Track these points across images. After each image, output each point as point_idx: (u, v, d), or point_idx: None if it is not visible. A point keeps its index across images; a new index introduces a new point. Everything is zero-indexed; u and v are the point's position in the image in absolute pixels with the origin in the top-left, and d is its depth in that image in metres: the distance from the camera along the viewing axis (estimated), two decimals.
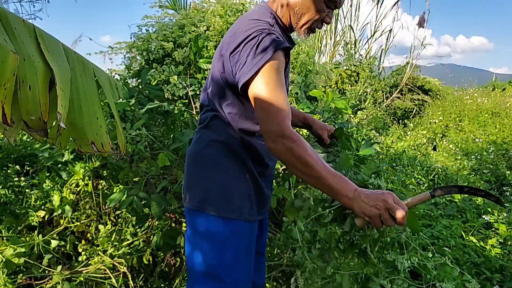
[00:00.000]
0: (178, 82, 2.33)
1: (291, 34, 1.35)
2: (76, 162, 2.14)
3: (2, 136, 2.09)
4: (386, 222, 1.03)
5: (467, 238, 2.31)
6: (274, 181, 2.36)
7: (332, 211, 1.27)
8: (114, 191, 2.12)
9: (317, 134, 1.66)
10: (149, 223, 2.18)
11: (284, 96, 1.09)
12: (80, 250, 2.10)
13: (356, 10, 8.96)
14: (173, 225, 2.11)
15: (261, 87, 1.08)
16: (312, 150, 1.07)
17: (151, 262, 2.14)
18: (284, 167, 2.35)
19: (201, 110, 1.35)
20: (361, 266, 1.41)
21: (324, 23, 1.28)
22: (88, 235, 2.20)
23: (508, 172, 4.44)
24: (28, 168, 2.32)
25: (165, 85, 2.41)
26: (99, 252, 2.03)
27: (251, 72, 1.08)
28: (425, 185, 3.62)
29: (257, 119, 1.17)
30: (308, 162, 1.05)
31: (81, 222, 2.16)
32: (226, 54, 1.16)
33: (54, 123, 1.23)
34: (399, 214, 1.01)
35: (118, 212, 2.21)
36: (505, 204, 3.38)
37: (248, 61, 1.09)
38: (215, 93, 1.25)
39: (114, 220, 2.24)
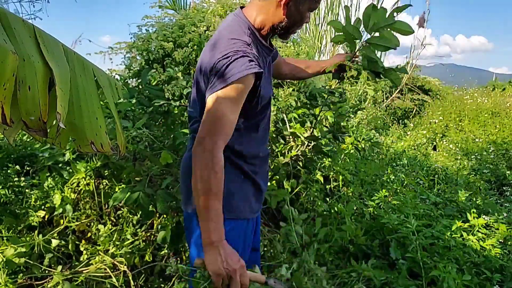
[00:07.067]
0: (182, 79, 2.33)
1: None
2: (78, 162, 2.14)
3: (2, 136, 2.09)
4: (224, 287, 1.03)
5: (467, 238, 2.30)
6: (274, 182, 2.37)
7: None
8: (116, 190, 2.13)
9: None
10: (151, 222, 2.19)
11: (232, 120, 1.12)
12: (81, 249, 2.10)
13: (356, 10, 8.95)
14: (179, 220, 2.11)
15: (218, 100, 1.10)
16: (219, 181, 1.07)
17: (150, 262, 2.14)
18: (285, 161, 2.36)
19: (189, 121, 1.37)
20: None
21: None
22: (89, 234, 2.20)
23: (508, 172, 4.44)
24: (28, 168, 2.32)
25: (166, 85, 2.41)
26: (100, 252, 2.03)
27: (216, 88, 1.11)
28: (425, 185, 3.62)
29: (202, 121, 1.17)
30: (210, 187, 1.05)
31: (82, 221, 2.16)
32: (206, 70, 1.19)
33: (53, 123, 1.23)
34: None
35: (119, 212, 2.22)
36: (505, 204, 3.39)
37: (216, 78, 1.13)
38: (199, 105, 1.27)
39: (115, 220, 2.24)
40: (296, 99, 2.54)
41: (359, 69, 1.71)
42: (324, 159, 2.59)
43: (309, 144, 2.31)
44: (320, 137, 2.24)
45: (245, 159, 1.30)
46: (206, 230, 1.06)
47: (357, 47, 1.68)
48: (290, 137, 2.40)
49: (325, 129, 2.32)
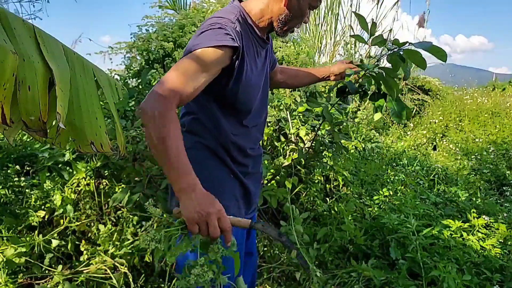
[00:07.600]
0: None
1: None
2: (78, 162, 2.14)
3: (2, 136, 2.09)
4: (202, 233, 0.96)
5: (467, 238, 2.30)
6: (273, 181, 2.37)
7: None
8: (116, 190, 2.13)
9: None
10: (151, 222, 2.18)
11: (190, 85, 1.04)
12: (82, 249, 2.09)
13: (356, 10, 8.94)
14: None
15: (181, 63, 1.07)
16: (176, 130, 0.98)
17: (150, 262, 2.14)
18: (286, 163, 2.35)
19: (181, 114, 1.36)
20: None
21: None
22: (89, 234, 2.20)
23: (508, 172, 4.44)
24: (28, 168, 2.32)
25: None
26: (100, 252, 2.03)
27: (185, 53, 1.11)
28: (425, 185, 3.62)
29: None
30: (164, 136, 0.96)
31: (82, 221, 2.16)
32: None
33: (53, 123, 1.23)
34: (225, 227, 0.96)
35: (119, 212, 2.21)
36: (505, 204, 3.38)
37: (189, 42, 1.12)
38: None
39: (115, 220, 2.23)
40: (300, 95, 2.55)
41: (365, 88, 1.66)
42: (324, 159, 2.60)
43: (312, 146, 2.31)
44: (321, 141, 2.23)
45: (236, 159, 1.29)
46: (173, 180, 0.97)
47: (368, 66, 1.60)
48: (292, 136, 2.40)
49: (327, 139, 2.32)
